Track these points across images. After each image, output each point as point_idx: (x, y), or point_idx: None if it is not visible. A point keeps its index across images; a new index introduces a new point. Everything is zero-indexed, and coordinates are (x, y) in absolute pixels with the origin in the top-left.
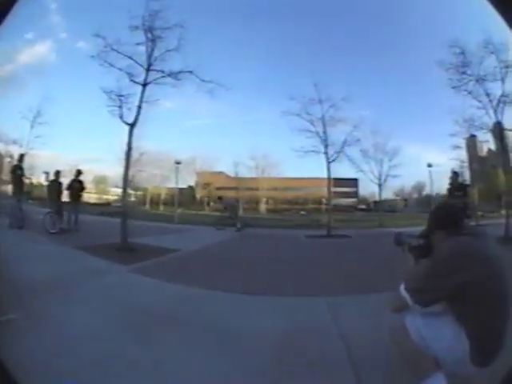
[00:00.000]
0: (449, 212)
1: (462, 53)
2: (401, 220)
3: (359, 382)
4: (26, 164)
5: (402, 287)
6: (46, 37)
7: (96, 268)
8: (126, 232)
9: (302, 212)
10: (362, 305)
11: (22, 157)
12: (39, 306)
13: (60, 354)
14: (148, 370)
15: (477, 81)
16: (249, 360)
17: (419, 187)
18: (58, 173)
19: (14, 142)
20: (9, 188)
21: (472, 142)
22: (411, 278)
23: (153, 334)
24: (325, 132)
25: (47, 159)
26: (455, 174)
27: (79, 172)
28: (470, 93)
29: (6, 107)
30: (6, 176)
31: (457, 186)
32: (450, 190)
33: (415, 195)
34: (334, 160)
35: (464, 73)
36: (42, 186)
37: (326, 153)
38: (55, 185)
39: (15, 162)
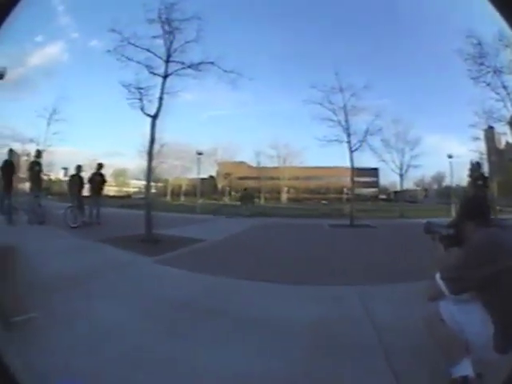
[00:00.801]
0: (478, 203)
1: (479, 43)
2: (422, 211)
3: (391, 369)
4: (44, 160)
5: (438, 276)
6: (56, 38)
7: (122, 260)
8: (150, 223)
9: (324, 201)
10: (393, 294)
11: (39, 153)
12: (62, 301)
13: (83, 352)
14: (177, 364)
15: (494, 72)
16: (280, 350)
17: (439, 178)
18: (79, 167)
19: (31, 141)
20: (26, 185)
21: (490, 134)
22: (446, 267)
23: (182, 325)
24: (347, 121)
25: (65, 155)
26: (477, 164)
27: (100, 165)
28: (488, 84)
29: (20, 108)
30: (24, 174)
31: (478, 175)
32: (471, 180)
33: (435, 186)
34: (356, 149)
35: (482, 64)
36: (60, 181)
37: (348, 142)
38: (76, 179)
39: (32, 159)
